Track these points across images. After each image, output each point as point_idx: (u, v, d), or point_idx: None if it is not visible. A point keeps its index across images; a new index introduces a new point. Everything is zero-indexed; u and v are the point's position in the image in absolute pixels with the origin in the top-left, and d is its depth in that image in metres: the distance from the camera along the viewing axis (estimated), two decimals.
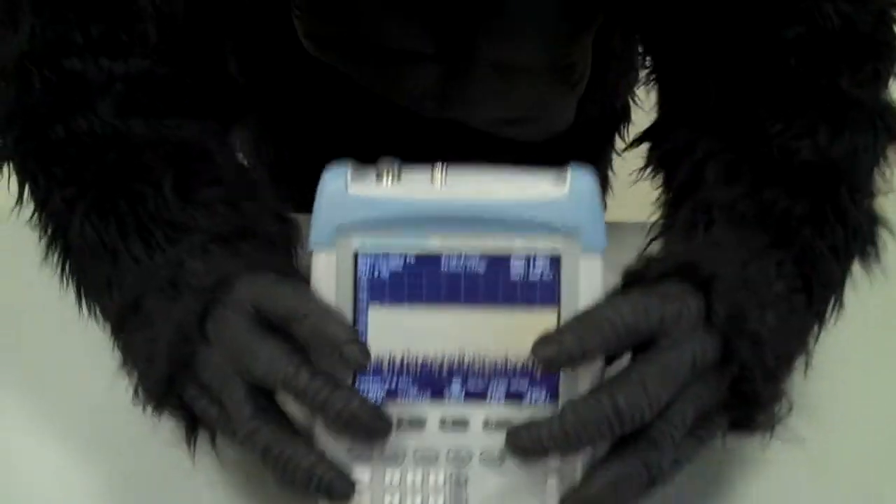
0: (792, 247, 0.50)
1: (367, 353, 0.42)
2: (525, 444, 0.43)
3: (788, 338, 0.48)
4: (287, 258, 0.53)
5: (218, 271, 0.47)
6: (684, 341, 0.44)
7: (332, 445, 0.45)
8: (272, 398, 0.45)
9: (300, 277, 0.47)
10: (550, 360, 0.43)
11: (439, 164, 0.44)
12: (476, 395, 0.45)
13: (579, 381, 0.45)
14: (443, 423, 0.45)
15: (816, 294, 0.51)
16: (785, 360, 0.47)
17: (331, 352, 0.42)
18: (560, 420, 0.42)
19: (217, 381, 0.45)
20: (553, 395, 0.45)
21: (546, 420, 0.43)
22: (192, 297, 0.46)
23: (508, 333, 0.45)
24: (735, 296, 0.45)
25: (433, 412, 0.45)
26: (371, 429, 0.43)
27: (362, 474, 0.45)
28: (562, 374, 0.45)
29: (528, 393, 0.45)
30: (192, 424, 0.48)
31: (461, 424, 0.45)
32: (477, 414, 0.45)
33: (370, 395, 0.45)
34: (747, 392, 0.45)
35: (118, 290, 0.51)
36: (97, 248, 0.52)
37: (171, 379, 0.46)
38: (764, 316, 0.46)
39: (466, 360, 0.45)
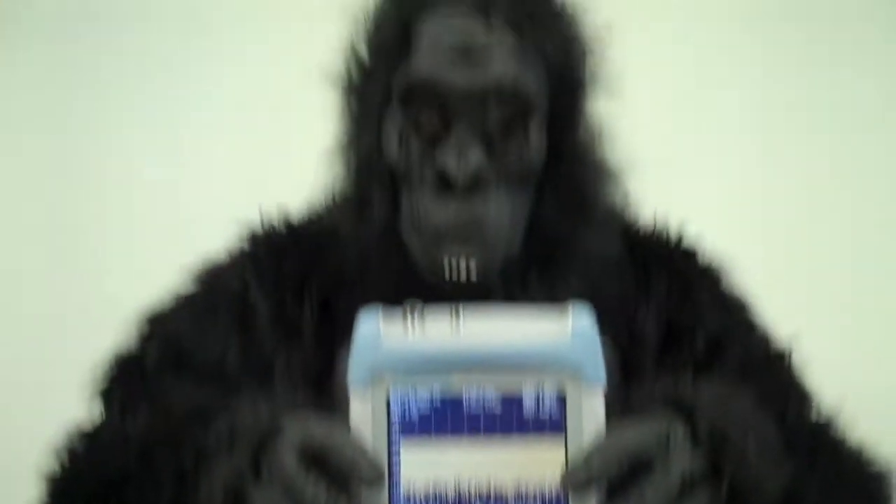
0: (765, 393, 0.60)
1: (377, 470, 0.49)
2: None
3: (770, 455, 0.55)
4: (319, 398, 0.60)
5: (267, 417, 0.53)
6: (675, 460, 0.51)
7: None
8: None
9: (334, 413, 0.53)
10: (583, 483, 0.50)
11: (457, 308, 0.52)
12: None
13: (587, 502, 0.51)
14: None
15: (789, 422, 0.60)
16: (769, 474, 0.54)
17: (348, 471, 0.49)
18: None
19: None
20: None
21: None
22: (246, 442, 0.52)
23: (523, 462, 0.51)
24: (715, 416, 0.53)
25: None
26: None
27: None
28: (571, 496, 0.51)
29: None
30: None
31: None
32: None
33: None
34: (741, 495, 0.52)
35: (184, 452, 0.57)
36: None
37: None
38: (744, 433, 0.54)
39: (489, 489, 0.51)
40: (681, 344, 0.76)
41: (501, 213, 0.71)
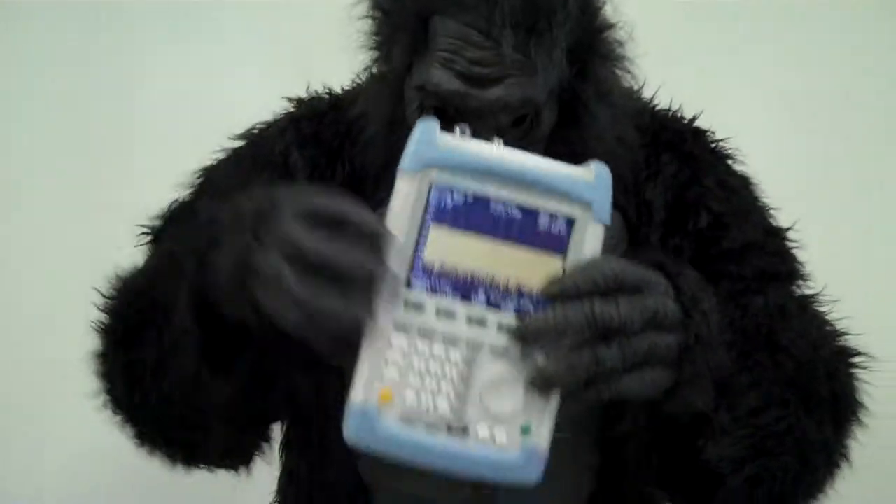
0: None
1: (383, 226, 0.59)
2: (526, 331, 0.59)
3: (722, 338, 0.66)
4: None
5: (269, 196, 0.62)
6: (657, 297, 0.61)
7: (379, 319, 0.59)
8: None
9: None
10: (554, 295, 0.60)
11: (501, 141, 0.63)
12: (494, 305, 0.61)
13: None
14: (469, 319, 0.60)
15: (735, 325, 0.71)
16: (721, 349, 0.65)
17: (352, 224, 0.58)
18: (553, 314, 0.59)
19: (272, 268, 0.58)
20: None
21: (542, 315, 0.59)
22: (250, 219, 0.61)
23: (525, 267, 0.61)
24: (694, 287, 0.64)
25: (461, 309, 0.61)
26: (393, 279, 0.59)
27: (400, 341, 0.59)
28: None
29: (531, 312, 0.61)
30: (257, 312, 0.61)
31: (481, 323, 0.60)
32: (493, 317, 0.61)
33: (417, 287, 0.60)
34: (694, 358, 0.62)
35: (200, 243, 0.68)
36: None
37: (236, 277, 0.61)
38: (711, 311, 0.64)
39: (491, 279, 0.61)
40: (686, 220, 0.86)
41: None
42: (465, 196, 0.62)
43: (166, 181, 0.95)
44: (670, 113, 0.94)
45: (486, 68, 0.75)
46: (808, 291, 0.87)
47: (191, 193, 0.93)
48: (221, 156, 0.95)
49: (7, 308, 1.57)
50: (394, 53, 0.80)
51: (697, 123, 0.94)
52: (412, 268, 0.61)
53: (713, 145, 0.93)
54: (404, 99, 0.81)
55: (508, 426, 0.60)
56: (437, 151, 0.62)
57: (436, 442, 0.59)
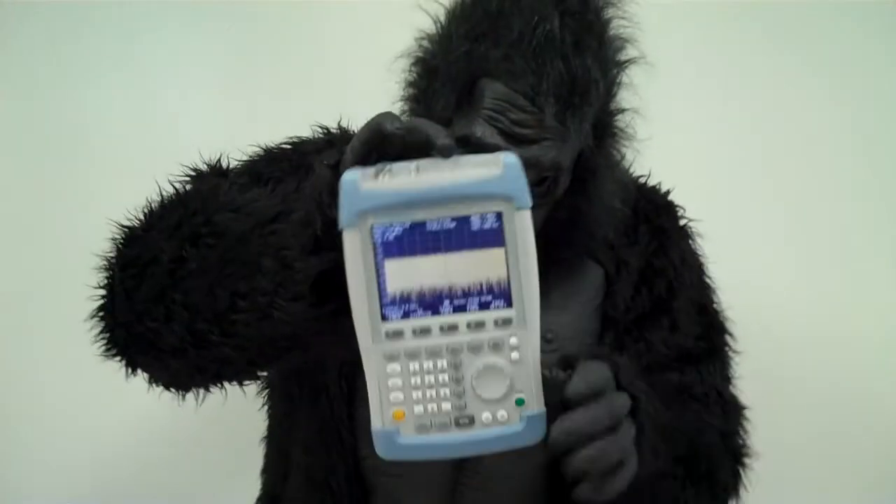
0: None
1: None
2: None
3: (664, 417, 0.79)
4: None
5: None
6: (608, 397, 0.72)
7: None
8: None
9: None
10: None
11: (416, 164, 0.70)
12: (460, 308, 0.70)
13: (524, 293, 0.70)
14: (441, 328, 0.70)
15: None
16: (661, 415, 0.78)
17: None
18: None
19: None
20: (508, 302, 0.70)
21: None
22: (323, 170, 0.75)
23: (475, 267, 0.70)
24: (631, 373, 0.76)
25: (434, 322, 0.70)
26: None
27: (394, 368, 0.69)
28: (512, 286, 0.70)
29: (492, 302, 0.70)
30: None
31: (453, 328, 0.70)
32: (462, 320, 0.70)
33: (392, 317, 0.70)
34: (647, 435, 0.75)
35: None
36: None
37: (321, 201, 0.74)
38: (648, 392, 0.77)
39: (451, 287, 0.70)
40: (651, 282, 1.03)
41: None
42: (403, 226, 0.70)
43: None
44: (648, 185, 1.10)
45: (526, 129, 0.86)
46: (717, 376, 1.04)
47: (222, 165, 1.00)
48: (260, 154, 1.04)
49: None
50: (436, 107, 0.90)
51: (671, 198, 1.10)
52: (382, 304, 0.70)
53: (682, 222, 1.09)
54: None
55: (506, 404, 0.71)
56: (364, 200, 0.69)
57: (450, 438, 0.70)
